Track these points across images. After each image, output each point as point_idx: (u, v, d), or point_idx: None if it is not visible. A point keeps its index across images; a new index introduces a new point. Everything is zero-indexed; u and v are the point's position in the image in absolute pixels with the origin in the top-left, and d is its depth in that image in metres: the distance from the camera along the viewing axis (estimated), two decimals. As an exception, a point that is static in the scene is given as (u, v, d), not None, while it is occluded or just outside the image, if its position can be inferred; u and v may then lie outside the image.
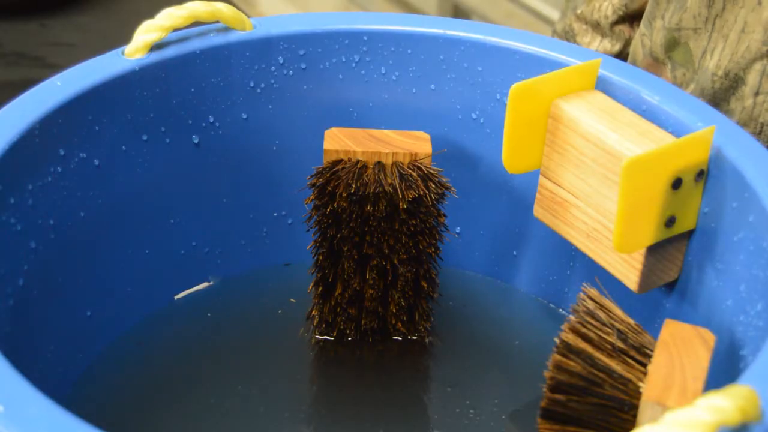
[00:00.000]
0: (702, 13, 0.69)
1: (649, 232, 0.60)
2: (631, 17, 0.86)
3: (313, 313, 0.72)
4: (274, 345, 0.72)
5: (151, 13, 0.68)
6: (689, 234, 0.63)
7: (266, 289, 0.77)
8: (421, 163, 0.67)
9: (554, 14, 1.77)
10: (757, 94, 0.70)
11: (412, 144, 0.68)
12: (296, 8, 2.17)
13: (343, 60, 0.73)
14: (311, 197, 0.68)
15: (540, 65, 0.69)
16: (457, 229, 0.77)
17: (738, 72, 0.69)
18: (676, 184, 0.59)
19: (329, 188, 0.67)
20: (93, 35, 1.12)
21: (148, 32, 0.67)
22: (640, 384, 0.55)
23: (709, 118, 0.63)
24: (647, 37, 0.74)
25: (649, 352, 0.56)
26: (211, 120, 0.72)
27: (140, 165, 0.69)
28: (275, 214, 0.78)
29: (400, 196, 0.66)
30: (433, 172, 0.67)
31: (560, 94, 0.65)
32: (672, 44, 0.72)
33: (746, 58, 0.68)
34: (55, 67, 0.71)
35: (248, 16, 0.72)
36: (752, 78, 0.70)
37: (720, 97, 0.71)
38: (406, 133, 0.69)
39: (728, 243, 0.60)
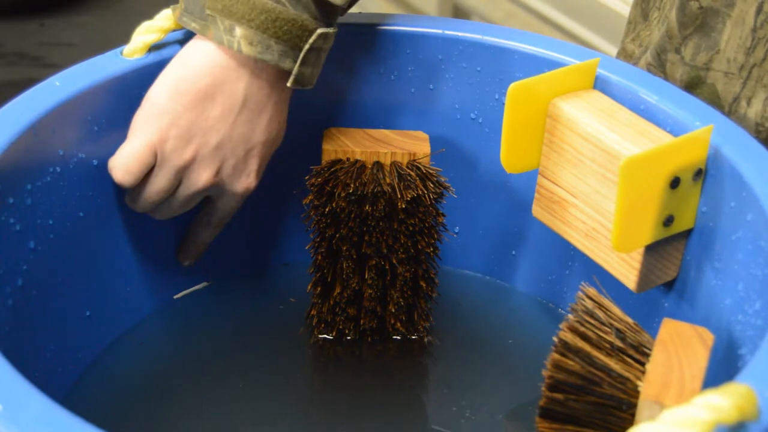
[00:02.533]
0: (738, 59, 0.68)
1: (647, 232, 0.60)
2: None
3: (312, 312, 0.72)
4: (273, 345, 0.72)
5: (150, 14, 0.68)
6: (687, 233, 0.63)
7: (266, 289, 0.77)
8: (419, 163, 0.67)
9: (554, 14, 1.77)
10: None
11: (410, 144, 0.68)
12: (296, 8, 2.16)
13: (344, 60, 0.73)
14: (310, 197, 0.68)
15: (539, 65, 0.69)
16: (456, 229, 0.77)
17: None
18: (675, 183, 0.59)
19: (328, 188, 0.67)
20: (93, 35, 1.12)
21: (146, 33, 0.67)
22: (639, 383, 0.55)
23: (707, 117, 0.63)
24: (656, 69, 0.73)
25: (647, 351, 0.56)
26: (210, 120, 0.72)
27: (139, 165, 0.69)
28: (275, 215, 0.78)
29: (399, 196, 0.66)
30: (431, 171, 0.67)
31: (558, 93, 0.65)
32: (696, 82, 0.71)
33: None
34: (54, 67, 0.71)
35: (247, 16, 0.72)
36: None
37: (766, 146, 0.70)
38: (404, 132, 0.69)
39: (726, 242, 0.60)
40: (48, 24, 1.14)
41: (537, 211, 0.69)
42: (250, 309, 0.75)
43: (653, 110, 0.65)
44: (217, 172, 0.66)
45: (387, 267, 0.69)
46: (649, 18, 0.78)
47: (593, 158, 0.62)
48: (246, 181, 0.67)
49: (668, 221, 0.61)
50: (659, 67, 0.73)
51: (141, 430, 0.66)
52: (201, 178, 0.65)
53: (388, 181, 0.66)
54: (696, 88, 0.71)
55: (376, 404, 0.69)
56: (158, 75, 0.67)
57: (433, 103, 0.74)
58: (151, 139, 0.64)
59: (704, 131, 0.60)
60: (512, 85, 0.63)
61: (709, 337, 0.56)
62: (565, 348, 0.57)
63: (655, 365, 0.54)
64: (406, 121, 0.74)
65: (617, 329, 0.57)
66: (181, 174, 0.65)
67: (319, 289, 0.70)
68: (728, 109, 0.70)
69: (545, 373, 0.57)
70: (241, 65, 0.64)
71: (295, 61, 0.64)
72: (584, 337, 0.57)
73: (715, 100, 0.70)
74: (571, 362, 0.56)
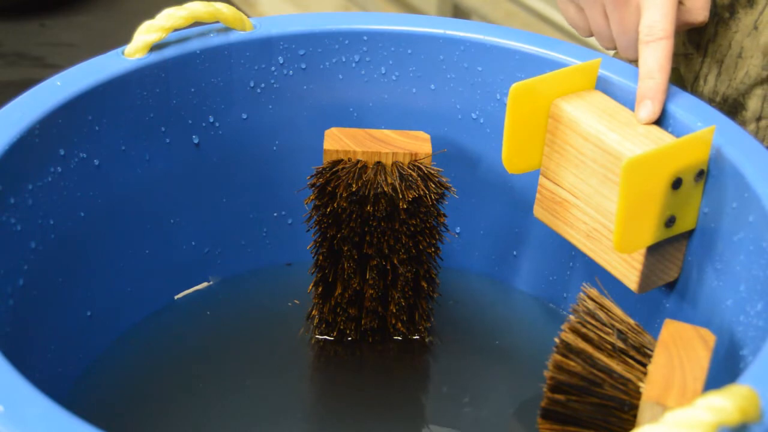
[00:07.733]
0: (693, 39, 0.69)
1: (649, 232, 0.60)
2: None
3: (313, 313, 0.72)
4: (274, 345, 0.72)
5: (151, 13, 0.68)
6: (689, 234, 0.63)
7: (266, 289, 0.77)
8: (421, 163, 0.67)
9: (554, 14, 1.78)
10: (759, 119, 0.70)
11: (412, 144, 0.68)
12: (296, 8, 2.17)
13: (343, 60, 0.73)
14: (311, 197, 0.68)
15: (540, 65, 0.69)
16: (457, 229, 0.77)
17: (737, 98, 0.69)
18: (676, 184, 0.59)
19: (329, 188, 0.67)
20: (93, 35, 1.12)
21: (148, 33, 0.67)
22: (640, 384, 0.55)
23: (708, 118, 0.63)
24: (634, 63, 0.74)
25: (649, 352, 0.56)
26: (211, 120, 0.72)
27: (140, 165, 0.69)
28: (275, 214, 0.78)
29: (400, 196, 0.66)
30: (433, 172, 0.67)
31: (560, 94, 0.65)
32: None
33: (746, 83, 0.68)
34: (55, 67, 0.71)
35: (248, 16, 0.72)
36: (753, 103, 0.69)
37: None
38: (406, 133, 0.69)
39: (728, 243, 0.60)
40: (48, 24, 1.14)
41: (538, 211, 0.69)
42: (251, 309, 0.75)
43: (655, 111, 0.65)
44: None
45: (388, 267, 0.69)
46: None
47: (595, 159, 0.62)
48: None
49: (670, 222, 0.61)
50: (635, 60, 0.74)
51: (142, 430, 0.66)
52: None
53: (389, 181, 0.66)
54: None
55: (377, 404, 0.69)
56: (160, 75, 0.67)
57: (434, 103, 0.74)
58: None
59: (706, 132, 0.60)
60: (514, 86, 0.63)
61: (710, 338, 0.56)
62: (567, 349, 0.57)
63: (656, 366, 0.54)
64: (408, 122, 0.74)
65: (619, 330, 0.57)
66: None
67: (320, 289, 0.70)
68: (690, 89, 0.70)
69: (547, 374, 0.57)
70: None
71: None
72: (586, 338, 0.57)
73: (680, 85, 0.71)
74: (572, 363, 0.56)
